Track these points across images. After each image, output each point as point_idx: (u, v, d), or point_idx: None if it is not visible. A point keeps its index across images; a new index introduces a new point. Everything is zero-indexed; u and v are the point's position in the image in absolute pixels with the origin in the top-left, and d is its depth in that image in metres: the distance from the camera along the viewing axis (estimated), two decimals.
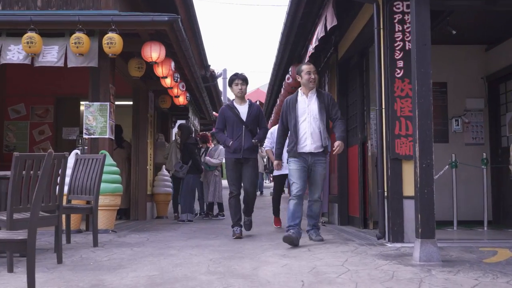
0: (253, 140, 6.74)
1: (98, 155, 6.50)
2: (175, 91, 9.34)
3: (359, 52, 7.94)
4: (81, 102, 11.88)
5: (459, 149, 8.52)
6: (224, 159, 15.80)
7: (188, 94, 10.44)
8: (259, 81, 63.56)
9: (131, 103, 10.96)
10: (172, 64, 8.02)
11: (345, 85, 8.67)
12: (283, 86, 10.92)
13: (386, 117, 5.87)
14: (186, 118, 13.80)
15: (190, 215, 10.03)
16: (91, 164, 6.24)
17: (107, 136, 7.63)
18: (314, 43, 7.30)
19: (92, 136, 7.63)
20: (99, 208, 6.34)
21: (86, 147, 8.07)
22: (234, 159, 6.74)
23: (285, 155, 6.88)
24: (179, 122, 15.80)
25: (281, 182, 8.69)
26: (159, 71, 7.90)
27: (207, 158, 10.50)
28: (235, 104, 6.91)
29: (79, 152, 7.34)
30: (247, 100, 6.97)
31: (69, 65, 7.24)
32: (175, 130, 17.10)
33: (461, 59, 8.65)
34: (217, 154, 10.59)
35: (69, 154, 9.21)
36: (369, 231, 7.21)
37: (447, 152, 8.52)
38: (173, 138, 12.06)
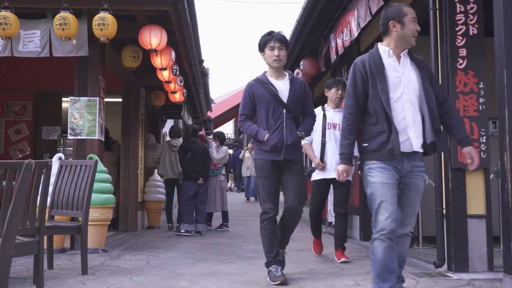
0: (298, 132, 4.57)
1: (87, 160, 5.36)
2: (172, 86, 8.19)
3: None
4: (64, 98, 10.68)
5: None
6: (227, 156, 14.51)
7: (185, 90, 9.30)
8: (245, 81, 62.61)
9: (119, 100, 9.81)
10: (173, 53, 6.87)
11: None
12: None
13: None
14: (179, 118, 12.64)
15: (188, 226, 8.91)
16: (79, 171, 5.08)
17: (96, 137, 6.46)
18: (356, 30, 6.17)
19: (79, 137, 6.46)
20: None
21: (71, 149, 6.90)
22: (271, 161, 4.53)
23: (329, 156, 5.74)
24: (169, 121, 14.65)
25: (324, 190, 6.24)
26: (158, 61, 6.75)
27: (212, 155, 9.31)
28: (269, 78, 4.65)
29: (63, 156, 6.17)
30: (286, 73, 4.73)
31: (55, 54, 6.06)
32: (165, 130, 15.93)
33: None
34: (221, 152, 9.44)
35: (51, 158, 8.06)
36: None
37: None
38: (166, 139, 10.91)
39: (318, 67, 8.62)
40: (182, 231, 8.58)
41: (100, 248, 6.15)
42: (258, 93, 4.57)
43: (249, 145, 16.14)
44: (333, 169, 5.50)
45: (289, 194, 4.70)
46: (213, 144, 9.72)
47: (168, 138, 17.11)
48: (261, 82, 4.61)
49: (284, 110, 4.51)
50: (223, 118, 32.87)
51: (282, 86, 4.59)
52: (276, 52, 4.55)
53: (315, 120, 4.81)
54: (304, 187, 4.73)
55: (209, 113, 18.42)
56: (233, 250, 6.65)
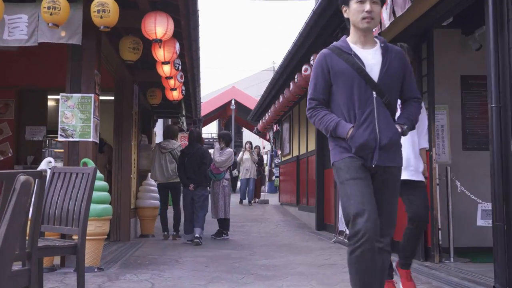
0: (398, 126, 3.14)
1: (84, 168, 4.61)
2: (172, 82, 7.45)
3: (415, 35, 6.23)
4: (50, 96, 9.87)
5: None
6: (239, 158, 13.61)
7: (183, 88, 8.56)
8: (232, 79, 61.40)
9: (109, 98, 9.04)
10: (177, 45, 6.13)
11: None
12: (295, 79, 9.15)
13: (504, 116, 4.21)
14: (176, 117, 11.87)
15: (188, 236, 8.30)
16: (75, 180, 4.31)
17: (90, 139, 5.70)
18: (388, 19, 5.45)
19: (71, 139, 5.69)
20: None
21: (58, 151, 6.13)
22: (359, 164, 3.08)
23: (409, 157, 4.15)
24: (160, 121, 13.87)
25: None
26: (160, 54, 6.00)
27: (214, 158, 8.69)
28: (352, 45, 3.20)
29: (53, 160, 5.40)
30: (377, 39, 3.27)
31: (40, 40, 5.27)
32: (158, 130, 15.12)
33: None
34: (224, 155, 8.77)
35: (35, 161, 7.25)
36: (441, 267, 5.51)
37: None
38: (157, 141, 10.16)
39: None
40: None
41: (96, 266, 5.39)
42: (335, 67, 3.12)
43: (247, 145, 15.43)
44: (411, 168, 4.17)
45: (383, 217, 3.09)
46: (217, 146, 9.02)
47: (158, 140, 16.35)
48: (340, 51, 3.15)
49: (374, 93, 3.06)
50: (208, 118, 32.18)
51: (371, 58, 3.13)
52: (367, 6, 3.09)
53: (420, 107, 3.34)
54: (395, 212, 3.22)
55: None
56: (245, 266, 5.93)
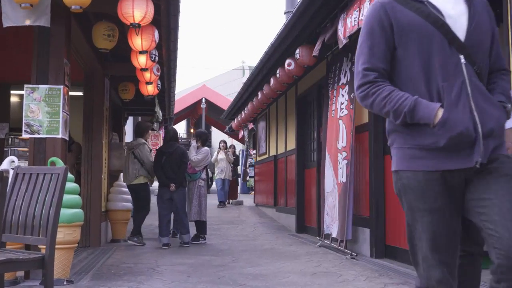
0: (503, 104, 2.19)
1: (53, 168, 4.04)
2: (148, 75, 6.88)
3: None
4: (13, 91, 9.17)
5: None
6: (211, 158, 13.16)
7: (159, 82, 7.99)
8: (201, 78, 60.63)
9: (79, 93, 8.44)
10: (156, 33, 5.57)
11: None
12: (277, 74, 8.67)
13: None
14: (148, 115, 11.27)
15: (165, 239, 7.90)
16: (42, 182, 3.74)
17: (59, 136, 5.11)
18: None
19: (36, 136, 5.08)
20: None
21: (23, 150, 5.51)
22: (441, 174, 2.14)
23: None
24: (130, 119, 13.22)
25: None
26: (138, 42, 5.43)
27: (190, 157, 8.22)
28: None
29: (16, 160, 4.80)
30: None
31: (5, 24, 4.66)
32: (128, 129, 14.45)
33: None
34: (200, 153, 8.33)
35: None
36: None
37: None
38: (128, 141, 9.55)
39: (315, 56, 7.49)
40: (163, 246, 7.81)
41: (65, 279, 4.80)
42: (402, 20, 2.18)
43: (221, 144, 14.89)
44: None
45: (501, 226, 2.01)
46: (193, 144, 8.50)
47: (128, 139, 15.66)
48: (406, 1, 2.20)
49: (461, 57, 2.14)
50: (177, 117, 31.52)
51: (452, 7, 2.19)
52: None
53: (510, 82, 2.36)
54: None
55: None
56: (230, 275, 5.42)
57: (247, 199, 17.50)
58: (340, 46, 6.25)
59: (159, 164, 7.97)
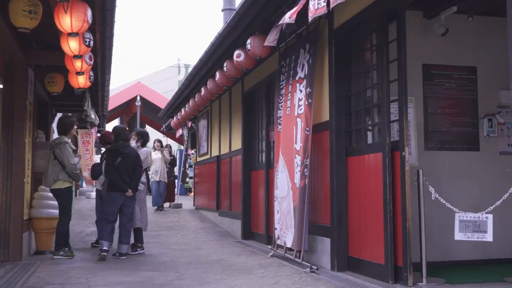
0: None
1: None
2: (79, 64, 5.96)
3: (381, 13, 5.24)
4: None
5: (492, 160, 6.21)
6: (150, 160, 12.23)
7: (91, 74, 7.04)
8: (136, 75, 58.67)
9: None
10: (89, 12, 4.68)
11: (347, 65, 5.96)
12: (224, 67, 7.91)
13: None
14: (77, 111, 10.18)
15: (106, 244, 7.08)
16: None
17: None
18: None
19: None
20: None
21: None
22: None
23: None
24: (60, 115, 12.07)
25: None
26: (66, 22, 4.51)
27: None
28: None
29: None
30: None
31: None
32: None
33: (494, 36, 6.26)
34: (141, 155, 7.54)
35: None
36: None
37: (478, 163, 6.16)
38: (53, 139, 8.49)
39: (269, 47, 6.79)
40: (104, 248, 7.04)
41: None
42: None
43: (156, 143, 13.93)
44: None
45: None
46: (133, 144, 7.62)
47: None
48: None
49: None
50: (110, 115, 30.10)
51: None
52: None
53: None
54: None
55: None
56: None
57: (186, 202, 16.62)
58: (310, 20, 5.45)
59: (112, 166, 7.16)
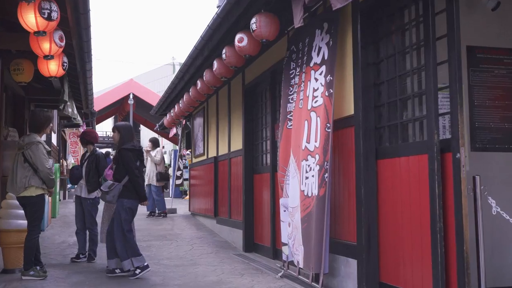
0: None
1: None
2: (47, 46, 4.84)
3: None
4: None
5: None
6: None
7: (65, 60, 5.90)
8: (129, 74, 57.41)
9: None
10: None
11: (376, 47, 4.85)
12: (223, 54, 6.79)
13: None
14: (55, 105, 9.03)
15: (138, 260, 6.18)
16: None
17: None
18: None
19: None
20: None
21: None
22: None
23: None
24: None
25: None
26: None
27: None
28: None
29: None
30: None
31: None
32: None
33: None
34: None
35: None
36: None
37: None
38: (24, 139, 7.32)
39: (277, 27, 5.69)
40: (117, 270, 6.26)
41: None
42: None
43: (148, 144, 12.78)
44: None
45: None
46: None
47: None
48: None
49: None
50: (102, 115, 28.94)
51: None
52: None
53: None
54: None
55: None
56: None
57: (181, 206, 15.50)
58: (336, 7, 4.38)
59: (135, 165, 6.31)
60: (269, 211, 7.40)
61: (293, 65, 6.02)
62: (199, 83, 8.65)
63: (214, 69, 7.47)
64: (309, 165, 5.07)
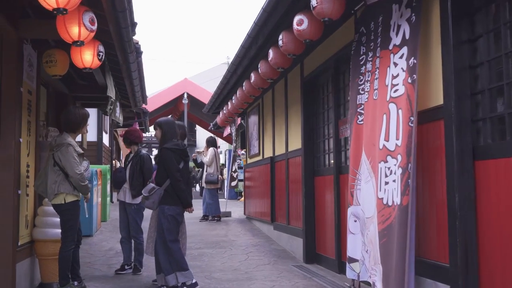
0: None
1: None
2: (75, 30, 4.13)
3: None
4: None
5: None
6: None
7: (101, 48, 5.20)
8: (184, 74, 57.41)
9: None
10: None
11: (469, 20, 3.89)
12: (280, 41, 5.95)
13: None
14: (100, 104, 8.44)
15: (184, 275, 5.44)
16: None
17: None
18: None
19: None
20: None
21: None
22: None
23: None
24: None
25: None
26: None
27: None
28: None
29: None
30: None
31: None
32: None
33: None
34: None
35: None
36: None
37: None
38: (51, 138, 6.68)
39: (342, 4, 4.80)
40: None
41: None
42: None
43: (204, 147, 12.15)
44: None
45: None
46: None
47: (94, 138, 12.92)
48: None
49: None
50: (156, 116, 28.66)
51: None
52: None
53: None
54: None
55: (144, 106, 14.28)
56: None
57: (236, 208, 14.77)
58: None
59: (176, 167, 5.59)
60: (333, 218, 6.51)
61: (363, 49, 5.12)
62: (253, 76, 7.84)
63: (269, 59, 6.64)
64: (389, 168, 4.16)
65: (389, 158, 4.21)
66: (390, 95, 4.30)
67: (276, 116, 9.37)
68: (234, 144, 14.50)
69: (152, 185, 5.55)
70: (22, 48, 5.34)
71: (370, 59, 4.89)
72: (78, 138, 12.56)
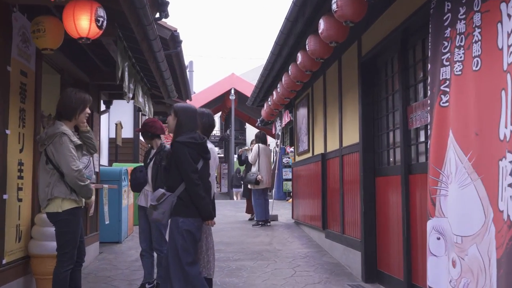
0: None
1: None
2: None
3: None
4: None
5: None
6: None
7: (101, 12, 4.01)
8: (230, 68, 56.50)
9: None
10: None
11: None
12: (333, 3, 4.65)
13: None
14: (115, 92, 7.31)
15: None
16: None
17: None
18: None
19: None
20: None
21: None
22: None
23: None
24: (118, 103, 9.35)
25: None
26: None
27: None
28: None
29: None
30: None
31: None
32: (114, 119, 10.59)
33: None
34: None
35: None
36: None
37: None
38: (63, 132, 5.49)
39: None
40: None
41: None
42: None
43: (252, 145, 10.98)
44: None
45: None
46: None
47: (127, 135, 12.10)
48: None
49: None
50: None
51: None
52: None
53: None
54: None
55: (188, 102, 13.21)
56: None
57: (283, 211, 13.50)
58: None
59: (193, 167, 4.21)
60: (400, 229, 5.17)
61: (448, 5, 3.75)
62: (299, 56, 6.55)
63: (320, 31, 5.34)
64: (506, 167, 2.78)
65: (508, 154, 2.82)
66: (507, 63, 2.91)
67: (328, 106, 8.04)
68: (277, 140, 13.24)
69: (161, 190, 4.25)
70: (9, 15, 4.25)
71: (462, 16, 3.52)
72: (112, 133, 11.64)
